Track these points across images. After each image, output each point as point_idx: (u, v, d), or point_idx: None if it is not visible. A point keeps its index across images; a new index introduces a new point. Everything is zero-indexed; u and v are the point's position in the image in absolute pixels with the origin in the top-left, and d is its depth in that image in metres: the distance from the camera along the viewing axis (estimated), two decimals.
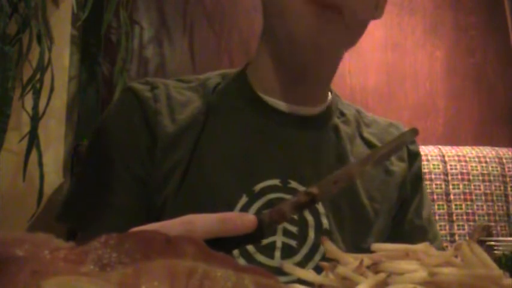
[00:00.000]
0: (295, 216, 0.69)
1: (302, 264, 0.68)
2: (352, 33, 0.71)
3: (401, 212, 0.80)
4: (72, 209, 0.71)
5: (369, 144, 0.80)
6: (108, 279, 0.25)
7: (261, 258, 0.67)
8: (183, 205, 0.68)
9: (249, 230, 0.44)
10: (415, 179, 0.82)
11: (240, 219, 0.44)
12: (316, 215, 0.71)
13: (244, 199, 0.69)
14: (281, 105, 0.75)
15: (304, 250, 0.69)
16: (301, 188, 0.71)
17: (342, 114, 0.81)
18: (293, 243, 0.69)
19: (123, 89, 0.75)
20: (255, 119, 0.74)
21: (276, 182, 0.71)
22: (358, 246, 0.72)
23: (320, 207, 0.71)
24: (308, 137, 0.76)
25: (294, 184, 0.71)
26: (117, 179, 0.69)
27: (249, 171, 0.71)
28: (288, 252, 0.68)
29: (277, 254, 0.68)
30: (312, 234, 0.70)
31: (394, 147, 0.52)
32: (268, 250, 0.68)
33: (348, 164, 0.74)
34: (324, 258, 0.68)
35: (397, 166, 0.80)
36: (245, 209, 0.68)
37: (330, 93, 0.81)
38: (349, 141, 0.78)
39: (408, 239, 0.78)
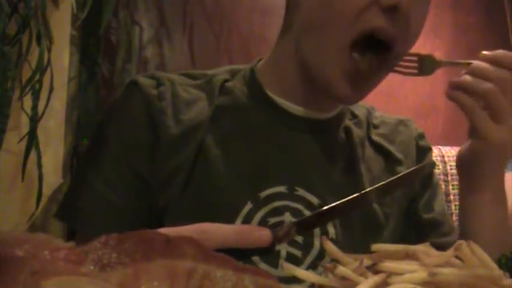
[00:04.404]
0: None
1: None
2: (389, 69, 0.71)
3: (411, 209, 0.78)
4: (71, 207, 0.69)
5: (377, 146, 0.78)
6: (108, 280, 0.25)
7: (264, 267, 0.66)
8: (187, 207, 0.66)
9: (264, 244, 0.45)
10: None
11: (256, 233, 0.45)
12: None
13: (249, 206, 0.67)
14: (295, 108, 0.73)
15: (309, 260, 0.67)
16: (308, 196, 0.69)
17: (354, 115, 0.79)
18: (298, 253, 0.67)
19: (129, 83, 0.72)
20: (265, 121, 0.72)
21: (282, 189, 0.68)
22: (368, 252, 0.70)
23: None
24: (319, 142, 0.73)
25: (301, 192, 0.69)
26: (118, 176, 0.68)
27: (255, 177, 0.68)
28: (292, 261, 0.65)
29: (281, 263, 0.66)
30: (317, 243, 0.68)
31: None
32: (272, 259, 0.66)
33: (359, 176, 0.73)
34: None
35: (406, 166, 0.77)
36: (249, 216, 0.66)
37: None
38: (360, 145, 0.75)
39: (420, 234, 0.77)
